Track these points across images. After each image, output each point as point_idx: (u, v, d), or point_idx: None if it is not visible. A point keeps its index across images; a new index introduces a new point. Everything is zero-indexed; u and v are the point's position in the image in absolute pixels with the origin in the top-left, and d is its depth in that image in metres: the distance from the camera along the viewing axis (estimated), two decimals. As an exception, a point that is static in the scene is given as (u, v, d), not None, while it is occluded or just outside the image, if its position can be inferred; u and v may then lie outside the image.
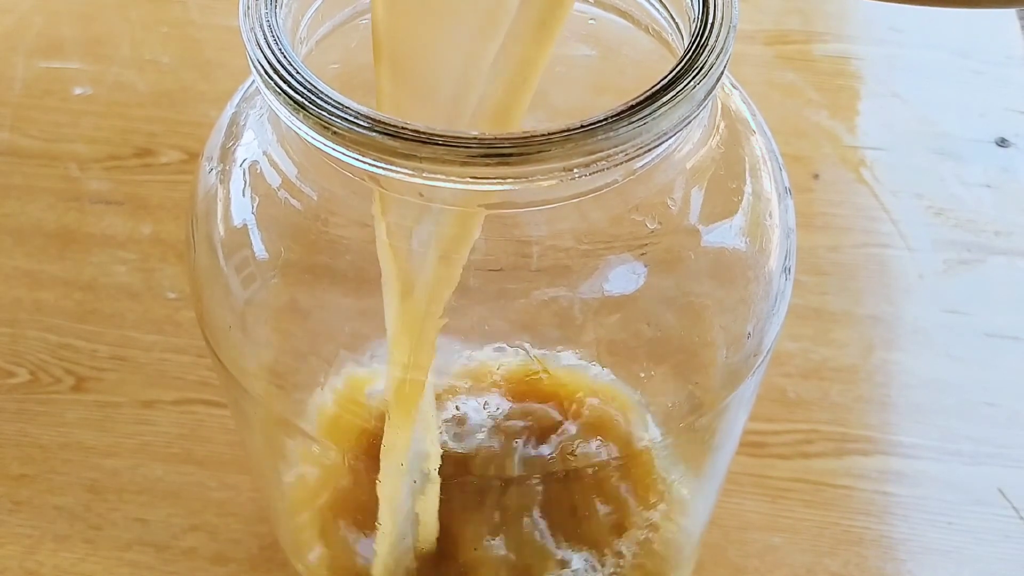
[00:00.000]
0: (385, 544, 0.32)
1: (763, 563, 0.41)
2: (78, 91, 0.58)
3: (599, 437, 0.31)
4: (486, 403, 0.30)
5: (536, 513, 0.31)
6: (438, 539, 0.31)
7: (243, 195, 0.27)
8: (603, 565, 0.33)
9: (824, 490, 0.43)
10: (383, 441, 0.28)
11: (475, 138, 0.21)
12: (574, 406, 0.31)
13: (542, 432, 0.30)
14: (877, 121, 0.57)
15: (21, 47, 0.60)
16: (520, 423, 0.30)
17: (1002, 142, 0.56)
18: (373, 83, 0.26)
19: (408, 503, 0.31)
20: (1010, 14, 0.63)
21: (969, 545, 0.42)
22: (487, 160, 0.21)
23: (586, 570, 0.33)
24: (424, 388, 0.28)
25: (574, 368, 0.31)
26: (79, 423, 0.45)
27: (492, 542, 0.31)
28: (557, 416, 0.31)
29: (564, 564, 0.32)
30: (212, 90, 0.58)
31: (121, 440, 0.44)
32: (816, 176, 0.54)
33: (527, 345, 0.30)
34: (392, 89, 0.23)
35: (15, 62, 0.59)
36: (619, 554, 0.33)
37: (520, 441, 0.30)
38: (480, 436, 0.30)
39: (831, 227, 0.52)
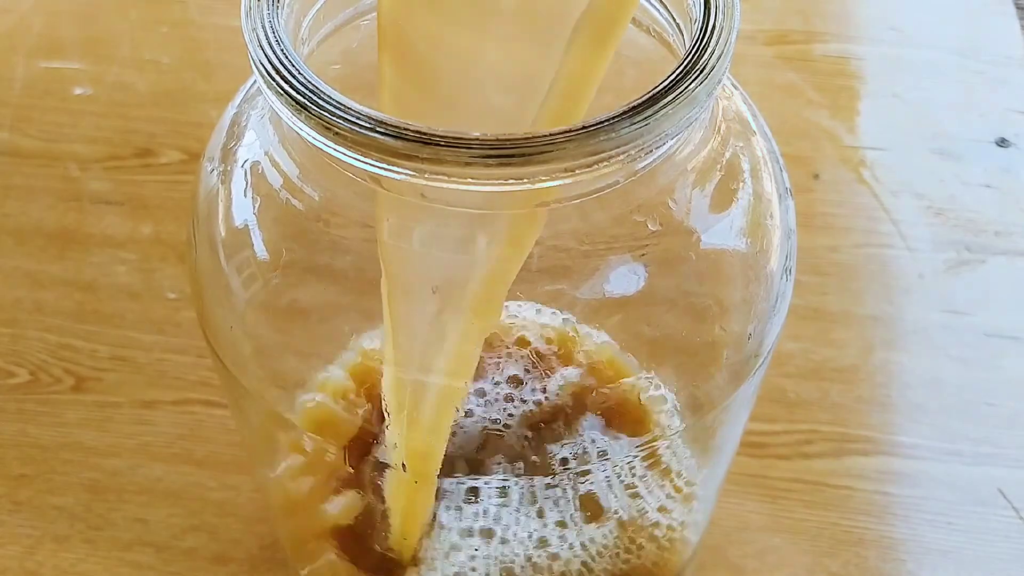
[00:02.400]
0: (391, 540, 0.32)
1: (763, 563, 0.41)
2: (78, 91, 0.58)
3: (599, 437, 0.31)
4: (486, 402, 0.30)
5: (535, 509, 0.31)
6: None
7: (244, 196, 0.27)
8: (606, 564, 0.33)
9: (824, 490, 0.43)
10: (385, 441, 0.29)
11: (477, 139, 0.21)
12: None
13: (545, 432, 0.30)
14: (877, 121, 0.57)
15: (21, 47, 0.60)
16: (521, 427, 0.30)
17: (1002, 142, 0.56)
18: (374, 83, 0.26)
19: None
20: (1010, 14, 0.63)
21: (969, 545, 0.42)
22: (489, 161, 0.21)
23: (587, 570, 0.33)
24: (464, 395, 0.28)
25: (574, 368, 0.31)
26: (79, 423, 0.45)
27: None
28: (557, 416, 0.31)
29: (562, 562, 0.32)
30: (212, 90, 0.58)
31: (121, 440, 0.44)
32: (816, 176, 0.54)
33: (528, 346, 0.30)
34: (415, 106, 0.23)
35: (15, 62, 0.59)
36: (618, 555, 0.33)
37: (523, 441, 0.30)
38: (481, 434, 0.30)
39: (831, 227, 0.52)
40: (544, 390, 0.30)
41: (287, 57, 0.23)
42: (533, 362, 0.31)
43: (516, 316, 0.30)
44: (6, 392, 0.46)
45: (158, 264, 0.50)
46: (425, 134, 0.21)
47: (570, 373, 0.31)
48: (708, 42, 0.23)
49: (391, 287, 0.26)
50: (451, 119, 0.23)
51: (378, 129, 0.21)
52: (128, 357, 0.47)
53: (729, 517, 0.42)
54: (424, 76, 0.23)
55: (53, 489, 0.43)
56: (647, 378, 0.31)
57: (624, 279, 0.28)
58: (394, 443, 0.28)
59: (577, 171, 0.21)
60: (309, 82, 0.22)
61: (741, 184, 0.28)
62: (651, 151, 0.23)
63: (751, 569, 0.41)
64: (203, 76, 0.59)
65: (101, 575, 0.41)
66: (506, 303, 0.28)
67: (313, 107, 0.22)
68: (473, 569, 0.31)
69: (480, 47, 0.22)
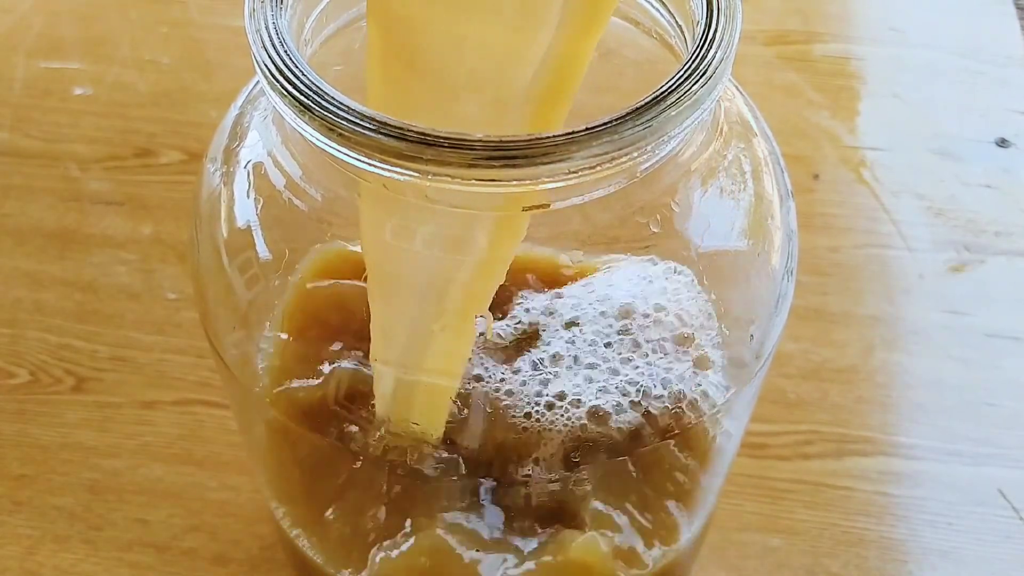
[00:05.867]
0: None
1: (763, 564, 0.41)
2: (78, 91, 0.58)
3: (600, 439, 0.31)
4: (486, 406, 0.30)
5: (531, 515, 0.31)
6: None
7: (247, 196, 0.27)
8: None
9: (824, 491, 0.43)
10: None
11: (480, 140, 0.21)
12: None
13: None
14: (877, 121, 0.57)
15: (21, 47, 0.60)
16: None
17: (1002, 142, 0.56)
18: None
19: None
20: (1010, 14, 0.63)
21: (969, 546, 0.42)
22: (492, 162, 0.21)
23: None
24: (454, 392, 0.28)
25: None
26: (79, 424, 0.45)
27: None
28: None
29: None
30: (212, 90, 0.58)
31: (121, 441, 0.44)
32: (816, 176, 0.54)
33: (529, 347, 0.30)
34: (404, 94, 0.23)
35: (15, 62, 0.59)
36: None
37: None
38: (477, 437, 0.30)
39: (831, 227, 0.52)
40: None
41: (291, 58, 0.23)
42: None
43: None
44: (6, 392, 0.46)
45: (158, 264, 0.50)
46: (429, 135, 0.21)
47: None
48: (711, 44, 0.23)
49: (380, 286, 0.26)
50: (441, 99, 0.23)
51: (382, 131, 0.21)
52: (128, 357, 0.47)
53: (729, 518, 0.42)
54: (412, 56, 0.23)
55: (53, 489, 0.43)
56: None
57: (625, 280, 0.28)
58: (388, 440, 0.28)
59: (580, 172, 0.22)
60: (313, 83, 0.22)
61: (743, 186, 0.28)
62: (654, 153, 0.23)
63: (751, 570, 0.41)
64: (203, 76, 0.59)
65: (101, 575, 0.41)
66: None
67: (317, 108, 0.22)
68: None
69: (464, 26, 0.22)
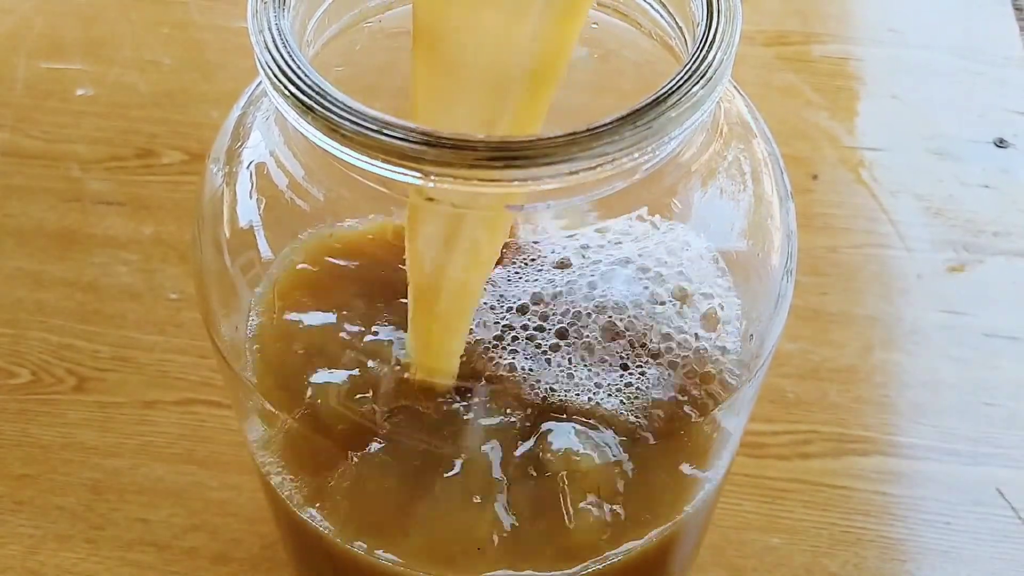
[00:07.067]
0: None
1: (762, 563, 0.41)
2: (80, 92, 0.58)
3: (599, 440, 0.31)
4: (472, 408, 0.30)
5: (530, 525, 0.31)
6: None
7: (249, 197, 0.27)
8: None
9: (823, 491, 0.43)
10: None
11: (482, 141, 0.21)
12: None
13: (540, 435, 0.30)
14: (876, 122, 0.58)
15: (22, 48, 0.60)
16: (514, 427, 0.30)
17: (1001, 143, 0.56)
18: (377, 85, 0.26)
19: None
20: (1008, 14, 0.63)
21: (967, 545, 0.42)
22: (493, 163, 0.21)
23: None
24: (451, 387, 0.28)
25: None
26: (81, 423, 0.45)
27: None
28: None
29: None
30: (213, 91, 0.58)
31: (122, 440, 0.44)
32: (815, 177, 0.54)
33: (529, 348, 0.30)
34: (427, 74, 0.23)
35: (16, 63, 0.59)
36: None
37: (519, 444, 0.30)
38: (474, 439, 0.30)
39: (830, 228, 0.52)
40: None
41: (293, 59, 0.23)
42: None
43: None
44: (8, 392, 0.46)
45: (159, 264, 0.50)
46: (431, 136, 0.21)
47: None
48: (711, 46, 0.23)
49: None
50: (451, 87, 0.23)
51: (384, 131, 0.21)
52: (130, 357, 0.47)
53: (728, 517, 0.42)
54: (457, 69, 0.23)
55: (55, 489, 0.43)
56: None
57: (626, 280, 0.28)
58: None
59: (581, 173, 0.22)
60: (315, 84, 0.22)
61: (742, 186, 0.28)
62: (654, 154, 0.23)
63: (750, 569, 0.41)
64: (204, 77, 0.59)
65: (103, 575, 0.41)
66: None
67: (319, 109, 0.22)
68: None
69: (468, 13, 0.22)
